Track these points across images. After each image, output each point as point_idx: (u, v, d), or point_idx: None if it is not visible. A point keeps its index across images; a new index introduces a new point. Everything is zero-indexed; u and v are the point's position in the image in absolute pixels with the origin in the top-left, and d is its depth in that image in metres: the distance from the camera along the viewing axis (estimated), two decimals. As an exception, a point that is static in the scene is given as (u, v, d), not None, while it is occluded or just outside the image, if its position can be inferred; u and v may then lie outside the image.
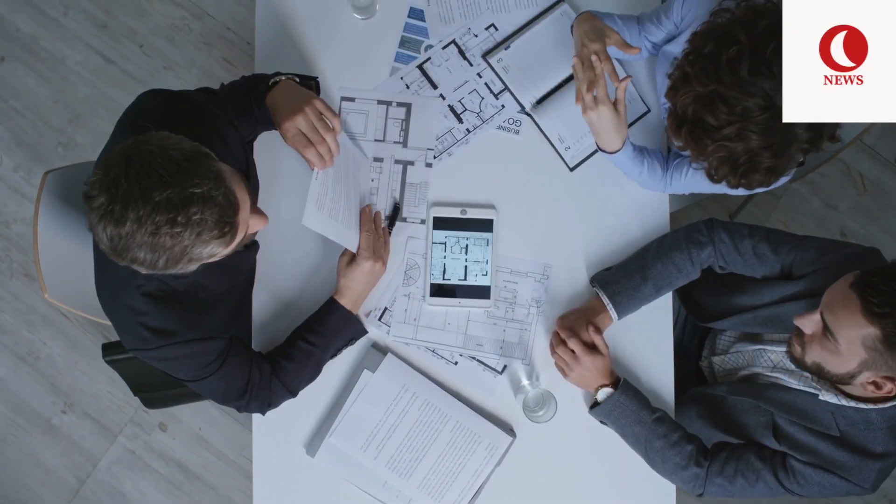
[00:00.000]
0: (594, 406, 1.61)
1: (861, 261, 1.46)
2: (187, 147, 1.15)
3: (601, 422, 1.63)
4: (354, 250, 1.60)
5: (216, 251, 1.19)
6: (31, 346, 2.50)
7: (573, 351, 1.57)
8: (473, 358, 1.67)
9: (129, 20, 2.58)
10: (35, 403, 2.49)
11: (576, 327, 1.61)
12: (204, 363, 1.41)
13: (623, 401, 1.57)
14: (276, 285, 1.68)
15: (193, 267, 1.19)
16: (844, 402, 1.41)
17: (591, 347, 1.58)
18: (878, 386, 1.31)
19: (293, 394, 1.58)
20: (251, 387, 1.51)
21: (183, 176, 1.11)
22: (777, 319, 1.52)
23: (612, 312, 1.61)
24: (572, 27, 1.58)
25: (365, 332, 1.64)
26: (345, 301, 1.59)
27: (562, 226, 1.70)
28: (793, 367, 1.50)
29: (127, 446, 2.48)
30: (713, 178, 1.38)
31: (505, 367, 1.67)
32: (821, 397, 1.43)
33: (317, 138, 1.47)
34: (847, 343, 1.27)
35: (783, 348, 1.52)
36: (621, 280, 1.62)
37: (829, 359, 1.32)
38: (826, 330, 1.29)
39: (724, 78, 1.25)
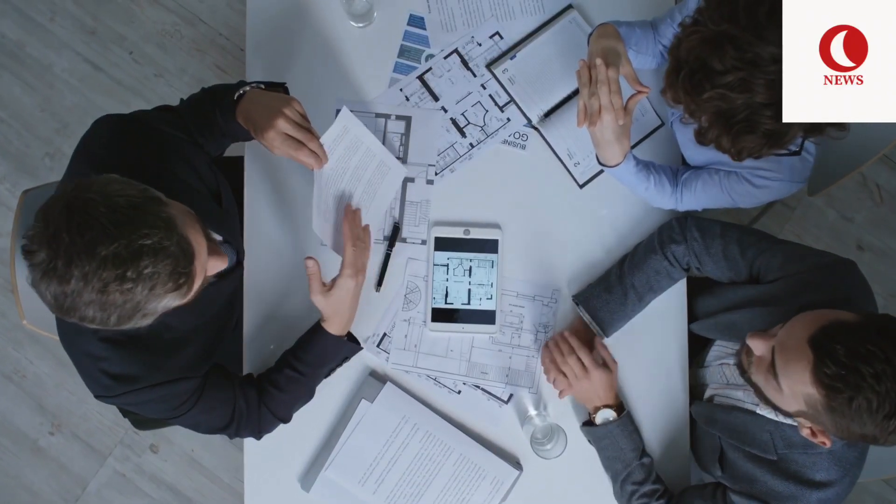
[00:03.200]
0: (588, 424, 1.53)
1: (829, 273, 1.34)
2: (133, 192, 1.07)
3: (588, 440, 1.55)
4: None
5: (172, 304, 1.11)
6: (17, 364, 2.43)
7: (581, 362, 1.48)
8: (477, 387, 1.59)
9: (119, 26, 2.50)
10: (21, 424, 2.42)
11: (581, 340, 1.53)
12: (175, 405, 1.34)
13: (617, 434, 1.49)
14: (268, 303, 1.60)
15: (148, 321, 1.12)
16: (783, 419, 1.29)
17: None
18: (813, 433, 1.20)
19: (285, 420, 1.51)
20: (237, 416, 1.44)
21: (130, 226, 1.03)
22: (733, 327, 1.42)
23: (598, 332, 1.54)
24: (589, 38, 1.49)
25: (359, 348, 1.55)
26: (333, 328, 1.49)
27: (571, 246, 1.63)
28: (741, 381, 1.39)
29: (117, 469, 2.40)
30: (703, 137, 1.26)
31: (511, 396, 1.59)
32: (758, 411, 1.33)
33: (305, 136, 1.39)
34: (789, 391, 1.16)
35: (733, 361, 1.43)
36: (602, 294, 1.54)
37: (770, 391, 1.21)
38: (772, 367, 1.17)
39: (738, 18, 1.14)
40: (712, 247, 1.47)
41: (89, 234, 1.01)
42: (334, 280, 1.46)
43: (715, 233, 1.48)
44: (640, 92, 1.41)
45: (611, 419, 1.49)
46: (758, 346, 1.20)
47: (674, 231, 1.52)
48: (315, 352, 1.49)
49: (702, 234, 1.49)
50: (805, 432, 1.21)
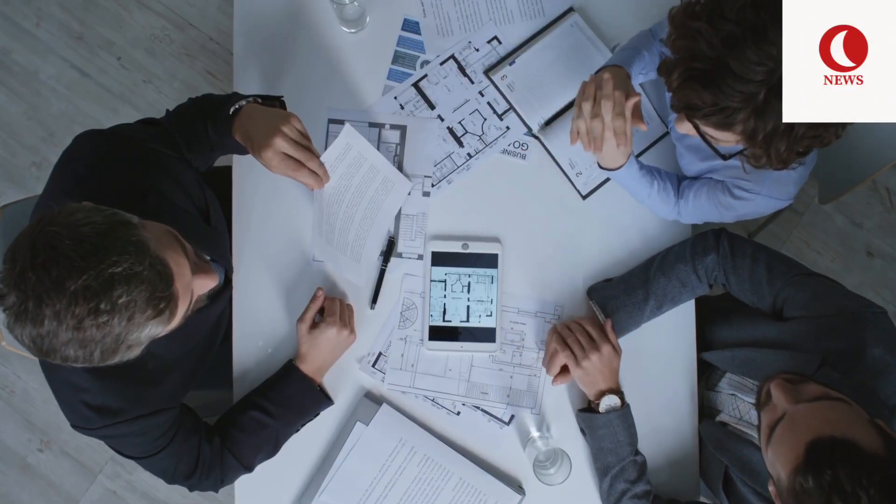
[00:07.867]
0: (586, 411, 1.46)
1: (854, 321, 1.26)
2: (99, 219, 1.00)
3: (581, 429, 1.49)
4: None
5: (157, 331, 1.05)
6: (4, 379, 2.37)
7: (591, 337, 1.42)
8: (477, 407, 1.53)
9: (106, 31, 2.44)
10: (9, 441, 2.36)
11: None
12: (153, 438, 1.28)
13: (617, 425, 1.42)
14: (258, 319, 1.55)
15: (136, 353, 1.05)
16: None
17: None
18: (777, 495, 1.12)
19: (248, 468, 1.45)
20: (201, 463, 1.39)
21: (97, 256, 0.97)
22: (752, 364, 1.36)
23: (602, 318, 1.48)
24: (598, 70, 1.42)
25: (329, 403, 1.50)
26: (305, 367, 1.45)
27: (574, 260, 1.57)
28: (756, 419, 1.33)
29: (108, 486, 2.35)
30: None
31: (512, 417, 1.53)
32: None
33: (305, 156, 1.35)
34: (770, 458, 1.09)
35: (752, 398, 1.35)
36: (621, 296, 1.48)
37: (762, 438, 1.14)
38: (771, 428, 1.09)
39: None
40: (741, 267, 1.42)
41: (56, 269, 0.95)
42: (318, 322, 1.45)
43: (745, 252, 1.43)
44: (633, 97, 1.33)
45: (616, 406, 1.43)
46: (777, 398, 1.12)
47: (708, 242, 1.47)
48: (285, 391, 1.45)
49: (732, 250, 1.44)
50: (771, 489, 1.13)
